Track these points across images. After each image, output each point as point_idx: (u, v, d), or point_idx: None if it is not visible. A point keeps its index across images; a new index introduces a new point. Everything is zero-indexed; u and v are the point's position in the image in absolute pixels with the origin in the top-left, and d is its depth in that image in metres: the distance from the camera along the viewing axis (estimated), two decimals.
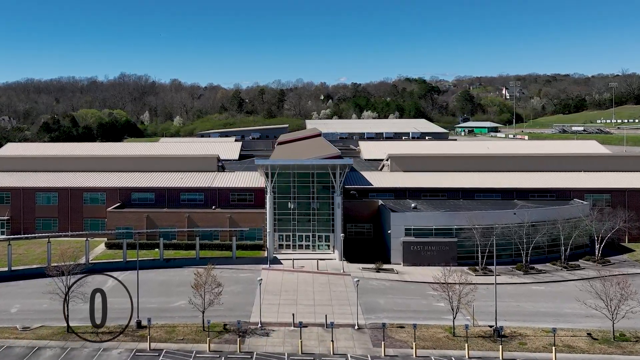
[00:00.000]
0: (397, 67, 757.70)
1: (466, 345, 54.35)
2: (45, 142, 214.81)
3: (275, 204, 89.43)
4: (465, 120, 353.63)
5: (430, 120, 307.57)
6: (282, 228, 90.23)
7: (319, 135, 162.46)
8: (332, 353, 54.24)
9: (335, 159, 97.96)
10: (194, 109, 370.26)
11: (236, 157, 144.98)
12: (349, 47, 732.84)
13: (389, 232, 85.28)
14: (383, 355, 53.89)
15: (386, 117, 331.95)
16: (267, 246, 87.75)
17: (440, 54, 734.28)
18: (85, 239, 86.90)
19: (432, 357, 53.54)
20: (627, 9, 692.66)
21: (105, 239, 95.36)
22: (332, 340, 55.45)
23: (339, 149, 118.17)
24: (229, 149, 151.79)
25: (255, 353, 54.47)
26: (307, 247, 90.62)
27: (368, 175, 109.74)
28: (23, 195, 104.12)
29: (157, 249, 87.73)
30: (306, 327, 59.30)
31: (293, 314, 62.23)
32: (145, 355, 54.11)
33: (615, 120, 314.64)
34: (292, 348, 55.40)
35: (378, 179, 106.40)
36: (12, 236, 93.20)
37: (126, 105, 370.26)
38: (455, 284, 59.36)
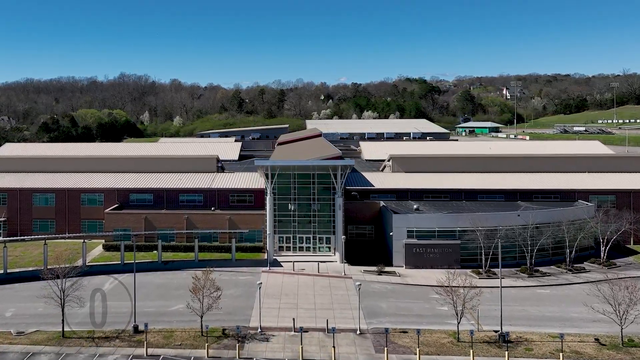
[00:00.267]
0: (397, 67, 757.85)
1: (471, 351, 53.04)
2: (44, 142, 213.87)
3: (275, 205, 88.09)
4: (466, 120, 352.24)
5: (431, 120, 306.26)
6: (283, 230, 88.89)
7: (319, 135, 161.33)
8: (333, 359, 52.96)
9: (336, 159, 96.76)
10: (193, 109, 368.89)
11: (236, 157, 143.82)
12: (349, 47, 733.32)
13: (390, 234, 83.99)
14: None
15: (387, 117, 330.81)
16: (267, 248, 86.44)
17: (440, 54, 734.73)
18: (82, 240, 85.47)
19: None
20: (627, 9, 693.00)
21: (103, 240, 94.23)
22: (334, 346, 54.13)
23: (340, 150, 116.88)
24: (229, 149, 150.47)
25: (254, 359, 53.25)
26: (308, 249, 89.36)
27: (369, 176, 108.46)
28: (20, 196, 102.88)
29: (155, 251, 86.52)
30: (307, 332, 58.09)
31: (293, 319, 60.98)
32: None
33: (616, 121, 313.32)
34: (292, 354, 54.11)
35: (379, 180, 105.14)
36: (8, 238, 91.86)
37: (126, 106, 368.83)
38: (460, 287, 58.07)
